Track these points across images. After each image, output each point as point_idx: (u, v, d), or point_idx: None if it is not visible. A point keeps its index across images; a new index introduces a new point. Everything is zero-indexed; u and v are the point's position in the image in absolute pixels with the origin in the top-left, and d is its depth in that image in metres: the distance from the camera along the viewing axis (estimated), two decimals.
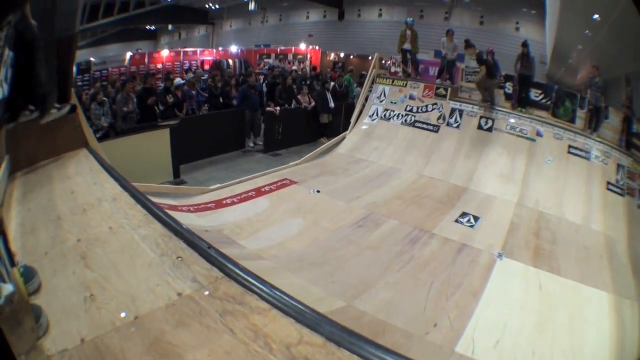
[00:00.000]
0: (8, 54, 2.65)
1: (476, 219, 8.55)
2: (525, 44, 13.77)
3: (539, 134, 11.28)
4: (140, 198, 3.74)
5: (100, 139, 9.70)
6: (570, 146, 10.81)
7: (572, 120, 12.18)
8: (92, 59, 31.52)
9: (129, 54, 33.18)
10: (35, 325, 2.19)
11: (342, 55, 38.16)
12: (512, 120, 11.79)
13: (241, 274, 2.60)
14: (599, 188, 9.99)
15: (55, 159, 5.02)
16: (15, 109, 4.14)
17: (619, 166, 10.28)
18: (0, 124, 2.80)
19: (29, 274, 2.54)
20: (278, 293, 2.39)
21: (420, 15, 33.50)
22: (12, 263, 2.15)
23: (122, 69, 30.72)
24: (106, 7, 43.30)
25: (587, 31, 20.34)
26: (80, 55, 39.91)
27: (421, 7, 34.64)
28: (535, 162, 10.78)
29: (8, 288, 1.95)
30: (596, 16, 17.58)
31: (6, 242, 2.13)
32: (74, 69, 20.09)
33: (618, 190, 9.93)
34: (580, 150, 10.70)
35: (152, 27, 59.36)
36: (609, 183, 10.04)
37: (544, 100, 12.87)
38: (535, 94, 12.97)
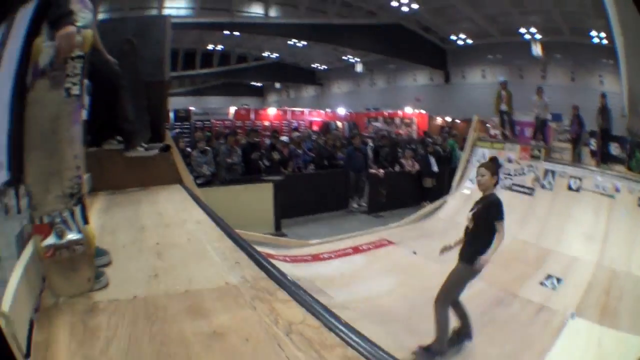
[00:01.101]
0: (86, 82, 3.19)
1: (559, 280, 8.70)
2: (603, 95, 13.72)
3: (617, 190, 11.08)
4: (222, 224, 4.26)
5: (201, 185, 10.75)
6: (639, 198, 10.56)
7: None
8: (192, 108, 32.73)
9: (233, 108, 34.24)
10: (93, 278, 2.71)
11: (448, 119, 38.14)
12: (598, 178, 11.59)
13: (278, 275, 3.14)
14: None
15: (145, 188, 5.45)
16: (99, 135, 4.98)
17: None
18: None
19: (100, 252, 2.97)
20: (302, 292, 2.93)
21: (520, 74, 33.87)
22: (86, 222, 2.71)
23: (226, 122, 31.83)
24: (204, 57, 46.27)
25: None
26: (180, 103, 41.84)
27: (520, 66, 34.50)
28: (614, 219, 10.60)
29: (72, 235, 2.57)
30: None
31: (84, 210, 2.71)
32: (171, 114, 21.88)
33: None
34: None
35: (258, 84, 61.97)
36: None
37: (621, 154, 12.87)
38: (614, 148, 13.00)
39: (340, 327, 2.41)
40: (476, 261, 5.89)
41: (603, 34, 27.58)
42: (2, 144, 2.54)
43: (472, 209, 6.48)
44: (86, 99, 3.47)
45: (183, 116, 31.18)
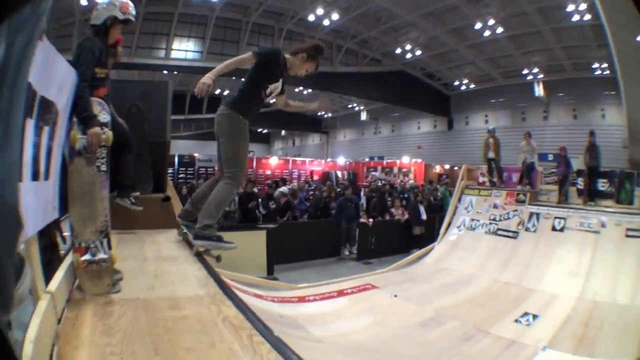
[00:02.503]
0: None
1: (535, 317, 9.11)
2: (592, 133, 14.31)
3: (603, 225, 11.69)
4: (205, 264, 5.58)
5: None
6: (627, 229, 11.20)
7: (631, 202, 12.82)
8: (196, 154, 33.29)
9: None
10: (111, 284, 4.11)
11: (447, 167, 38.76)
12: (582, 216, 12.29)
13: (229, 292, 4.64)
14: None
15: (147, 231, 6.85)
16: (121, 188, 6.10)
17: None
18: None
19: (115, 271, 4.24)
20: (242, 302, 4.41)
21: (522, 117, 35.18)
22: (110, 248, 4.15)
23: None
24: (211, 101, 45.76)
25: None
26: (186, 147, 44.38)
27: (522, 109, 35.64)
28: (599, 254, 11.22)
29: (102, 255, 4.04)
30: None
31: (109, 241, 4.16)
32: (176, 159, 25.86)
33: None
34: (637, 230, 11.09)
35: (265, 130, 63.62)
36: None
37: (609, 189, 13.55)
38: (602, 184, 13.71)
39: (256, 322, 3.83)
40: None
41: (605, 64, 28.92)
42: (56, 194, 3.92)
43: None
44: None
45: (187, 162, 32.29)
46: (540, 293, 10.62)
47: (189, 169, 32.03)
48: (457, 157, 38.41)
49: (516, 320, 9.01)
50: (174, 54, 31.11)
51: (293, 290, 9.94)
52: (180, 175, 30.43)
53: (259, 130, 62.68)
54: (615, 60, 19.03)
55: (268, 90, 5.79)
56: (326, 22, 31.56)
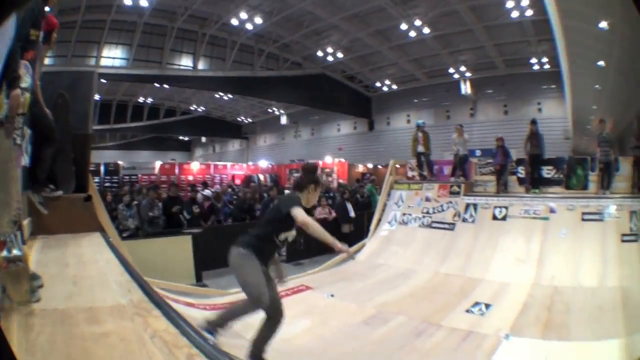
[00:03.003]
0: (28, 131, 4.02)
1: (488, 306, 8.92)
2: (533, 122, 14.38)
3: (552, 211, 11.84)
4: (124, 263, 5.41)
5: (126, 238, 11.86)
6: (583, 213, 11.36)
7: (585, 187, 13.06)
8: (120, 162, 34.04)
9: (158, 163, 35.52)
10: (29, 290, 3.62)
11: (370, 166, 39.32)
12: (525, 204, 12.39)
13: (156, 299, 4.38)
14: (613, 244, 10.64)
15: (72, 235, 6.41)
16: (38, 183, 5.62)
17: (631, 213, 10.89)
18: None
19: (36, 276, 3.89)
20: (172, 311, 4.19)
21: (447, 115, 35.69)
22: (24, 243, 3.70)
23: (152, 177, 33.19)
24: (135, 110, 47.96)
25: (596, 85, 20.84)
26: (111, 156, 44.36)
27: (447, 108, 36.27)
28: (550, 239, 11.30)
29: (16, 252, 3.39)
30: (601, 62, 18.44)
31: (22, 234, 3.65)
32: (102, 168, 26.07)
33: (632, 237, 10.62)
34: (594, 214, 11.26)
35: (186, 138, 64.85)
36: (623, 235, 10.73)
37: (556, 176, 13.72)
38: (547, 172, 13.85)
39: (193, 334, 3.64)
40: None
41: (545, 59, 29.97)
42: None
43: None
44: (29, 147, 4.21)
45: (112, 170, 33.23)
46: (487, 282, 10.56)
47: (113, 177, 33.06)
48: (380, 156, 39.24)
49: (468, 311, 8.79)
50: (103, 62, 30.27)
51: (225, 297, 9.66)
52: (106, 184, 31.28)
53: (180, 137, 63.86)
54: (562, 52, 19.27)
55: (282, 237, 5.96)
56: (249, 26, 31.17)
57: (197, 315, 7.14)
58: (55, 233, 6.29)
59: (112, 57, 31.11)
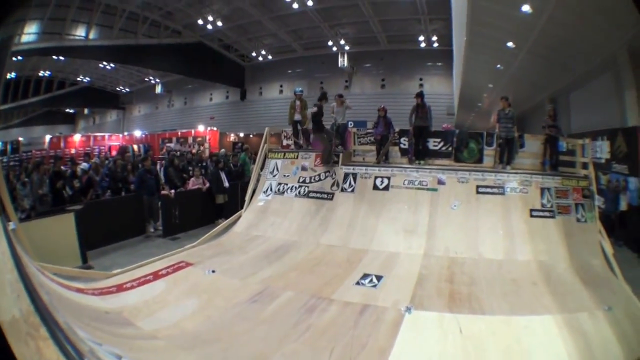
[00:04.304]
0: None
1: (379, 278, 8.52)
2: (419, 95, 13.96)
3: (441, 182, 11.62)
4: (18, 262, 4.05)
5: (23, 220, 11.13)
6: (478, 186, 11.27)
7: (479, 161, 13.00)
8: (20, 139, 33.95)
9: (48, 137, 35.32)
10: None
11: (241, 135, 40.07)
12: (410, 175, 12.09)
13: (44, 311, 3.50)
14: (520, 218, 10.67)
15: None
16: None
17: (543, 190, 11.02)
18: None
19: None
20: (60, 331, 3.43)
21: (321, 87, 35.61)
22: None
23: (42, 152, 32.50)
24: (36, 85, 48.21)
25: (498, 65, 21.14)
26: (13, 134, 45.13)
27: (321, 79, 36.65)
28: (440, 210, 11.08)
29: None
30: (510, 44, 18.94)
31: None
32: (9, 147, 27.11)
33: (546, 213, 10.79)
34: (492, 187, 11.23)
35: (72, 110, 65.49)
36: (532, 210, 10.83)
37: (444, 148, 13.53)
38: (434, 144, 13.60)
39: None
40: None
41: (435, 37, 31.49)
42: None
43: None
44: None
45: (15, 147, 33.15)
46: (374, 253, 10.34)
47: (15, 155, 32.37)
48: (252, 126, 40.22)
49: (358, 283, 8.40)
50: (24, 38, 30.01)
51: (109, 279, 8.87)
52: (11, 164, 29.19)
53: (66, 110, 64.12)
54: (461, 32, 19.94)
55: None
56: None
57: (87, 303, 6.97)
58: None
59: (28, 32, 30.51)
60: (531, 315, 6.64)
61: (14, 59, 34.05)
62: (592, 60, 18.07)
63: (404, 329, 6.31)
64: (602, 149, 17.57)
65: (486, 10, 16.39)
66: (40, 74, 46.55)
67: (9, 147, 32.14)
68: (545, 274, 8.74)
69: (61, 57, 38.83)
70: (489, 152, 13.19)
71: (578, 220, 10.68)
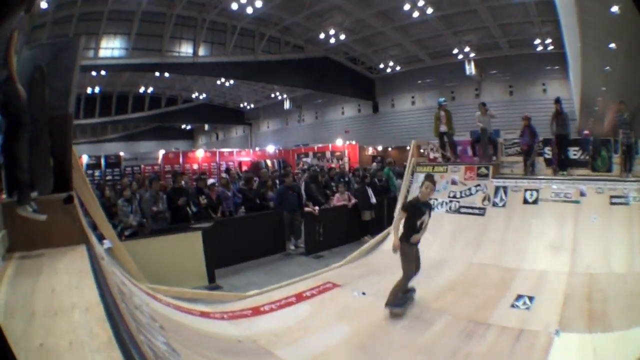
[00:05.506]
0: None
1: (531, 299, 8.26)
2: (558, 101, 13.53)
3: (582, 194, 11.12)
4: (113, 312, 3.61)
5: (128, 237, 10.97)
6: (611, 197, 10.69)
7: (609, 169, 12.32)
8: (122, 153, 32.47)
9: (161, 152, 33.84)
10: None
11: (379, 148, 38.83)
12: (555, 187, 11.60)
13: None
14: (639, 229, 9.94)
15: (51, 250, 4.75)
16: (11, 183, 4.44)
17: None
18: None
19: None
20: None
21: (452, 96, 34.59)
22: None
23: (155, 167, 31.69)
24: (136, 101, 49.22)
25: (607, 67, 20.29)
26: (112, 148, 44.84)
27: (451, 89, 35.72)
28: (582, 224, 10.60)
29: None
30: (612, 45, 17.94)
31: None
32: (103, 162, 25.99)
33: None
34: (620, 197, 10.59)
35: (188, 127, 66.13)
36: None
37: (582, 157, 12.95)
38: (573, 153, 13.04)
39: None
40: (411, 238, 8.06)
41: (549, 40, 29.45)
42: None
43: (424, 212, 8.19)
44: None
45: (113, 162, 31.32)
46: (525, 272, 9.82)
47: (115, 169, 30.89)
48: (385, 139, 39.46)
49: (513, 306, 8.10)
50: (102, 53, 30.10)
51: (242, 300, 8.68)
52: (108, 177, 29.08)
53: (182, 126, 64.86)
54: (573, 33, 18.94)
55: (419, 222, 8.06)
56: (249, 10, 30.27)
57: (215, 330, 6.69)
58: (33, 248, 4.70)
59: (111, 47, 30.81)
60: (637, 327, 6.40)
61: (93, 73, 35.16)
62: None
63: (552, 354, 6.15)
64: None
65: (588, 10, 15.68)
66: (141, 90, 47.59)
67: (102, 161, 30.60)
68: None
69: (166, 74, 39.39)
70: (616, 160, 12.40)
71: None
